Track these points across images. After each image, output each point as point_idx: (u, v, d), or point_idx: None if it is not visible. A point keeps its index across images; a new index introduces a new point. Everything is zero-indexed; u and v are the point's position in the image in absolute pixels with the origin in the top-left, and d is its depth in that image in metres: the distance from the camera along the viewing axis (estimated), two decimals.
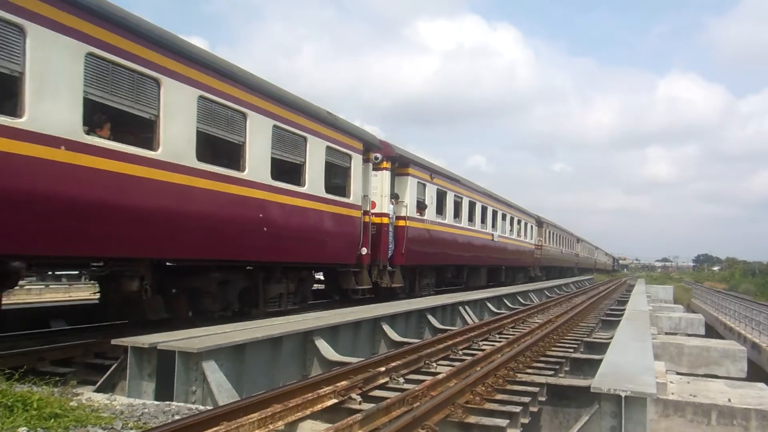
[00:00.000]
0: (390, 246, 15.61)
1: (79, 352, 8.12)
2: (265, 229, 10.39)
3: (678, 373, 13.81)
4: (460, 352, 9.34)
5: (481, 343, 10.45)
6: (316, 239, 12.22)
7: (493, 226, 25.45)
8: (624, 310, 17.07)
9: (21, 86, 6.57)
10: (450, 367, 7.79)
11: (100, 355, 8.11)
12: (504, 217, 27.50)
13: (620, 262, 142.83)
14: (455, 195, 20.61)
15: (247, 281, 11.06)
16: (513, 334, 11.50)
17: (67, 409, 4.80)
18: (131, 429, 4.68)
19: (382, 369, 7.17)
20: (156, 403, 5.71)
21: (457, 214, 20.92)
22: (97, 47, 7.38)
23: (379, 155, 15.09)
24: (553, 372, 8.20)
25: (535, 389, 6.87)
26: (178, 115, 8.60)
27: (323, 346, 8.43)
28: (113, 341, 6.74)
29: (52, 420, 4.52)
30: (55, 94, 6.89)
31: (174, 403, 5.83)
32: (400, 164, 16.32)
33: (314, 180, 12.01)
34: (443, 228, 19.30)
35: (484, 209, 24.08)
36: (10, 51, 6.49)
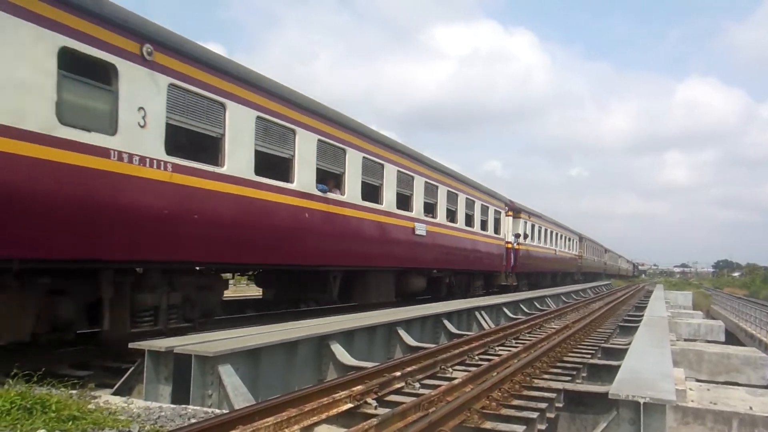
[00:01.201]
0: (511, 261, 25.77)
1: (97, 355, 8.19)
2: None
3: (698, 380, 13.63)
4: (477, 357, 9.29)
5: (497, 349, 10.38)
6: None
7: (556, 244, 36.47)
8: (642, 316, 16.89)
9: (223, 144, 9.42)
10: (466, 373, 7.73)
11: (118, 359, 8.17)
12: (562, 236, 38.74)
13: (639, 267, 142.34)
14: (540, 226, 30.83)
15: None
16: (529, 340, 11.43)
17: (85, 411, 4.84)
18: None
19: (398, 374, 7.15)
20: (172, 406, 5.74)
21: (540, 238, 31.17)
22: (262, 112, 10.30)
23: (507, 209, 25.75)
24: (570, 378, 8.12)
25: (552, 395, 6.81)
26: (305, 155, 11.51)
27: (339, 351, 8.42)
28: (130, 345, 6.79)
29: (71, 422, 4.57)
30: (240, 147, 9.73)
31: (190, 406, 5.85)
32: (514, 211, 26.15)
33: (487, 226, 23.06)
34: (536, 248, 29.96)
35: (555, 234, 35.54)
36: (216, 120, 9.30)
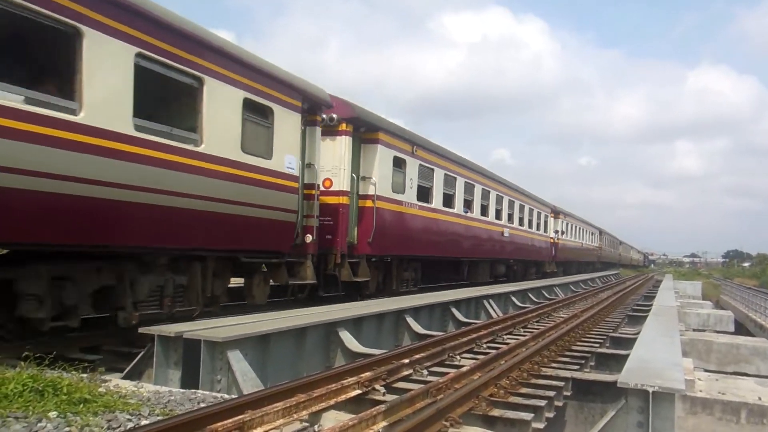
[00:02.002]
0: (553, 252, 21.69)
1: (107, 340, 8.24)
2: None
3: (706, 371, 13.60)
4: (484, 346, 9.30)
5: (505, 337, 10.39)
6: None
7: (583, 238, 40.74)
8: (651, 306, 16.84)
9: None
10: (474, 360, 7.75)
11: (128, 343, 8.22)
12: (587, 231, 43.09)
13: (649, 257, 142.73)
14: (571, 223, 33.66)
15: None
16: (537, 328, 11.42)
17: (95, 394, 4.87)
18: (158, 416, 4.74)
19: (406, 361, 7.16)
20: (182, 390, 5.78)
21: (572, 233, 35.06)
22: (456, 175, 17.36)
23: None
24: (578, 366, 8.12)
25: (560, 383, 6.81)
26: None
27: (347, 338, 8.45)
28: (140, 330, 6.85)
29: (81, 405, 4.60)
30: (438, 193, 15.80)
31: (199, 391, 5.89)
32: (555, 213, 19.33)
33: (540, 226, 21.10)
34: (569, 242, 32.94)
35: (581, 229, 38.88)
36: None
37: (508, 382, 6.52)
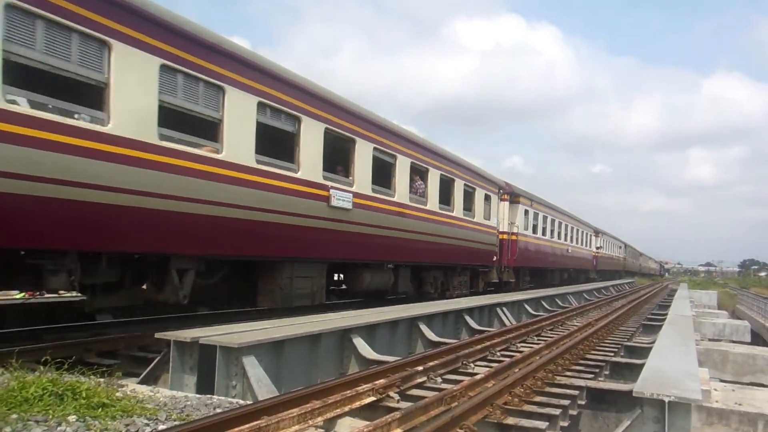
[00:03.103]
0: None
1: (123, 345, 8.34)
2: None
3: (722, 381, 13.44)
4: (498, 354, 9.28)
5: (519, 345, 10.36)
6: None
7: (611, 250, 47.38)
8: (666, 315, 16.70)
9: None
10: (488, 368, 7.74)
11: (144, 348, 8.30)
12: (610, 242, 49.52)
13: (664, 266, 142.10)
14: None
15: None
16: (551, 337, 11.37)
17: (113, 399, 4.93)
18: (174, 420, 4.78)
19: (420, 368, 7.17)
20: (198, 396, 5.83)
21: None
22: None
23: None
24: (592, 375, 8.08)
25: (575, 392, 6.78)
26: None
27: (361, 344, 8.47)
28: (156, 335, 6.90)
29: (100, 409, 4.66)
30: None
31: (215, 396, 5.94)
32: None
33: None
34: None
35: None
36: None
37: (522, 390, 6.51)
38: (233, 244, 9.16)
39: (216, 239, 8.78)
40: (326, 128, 11.21)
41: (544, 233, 27.10)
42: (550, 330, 12.89)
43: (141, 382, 6.56)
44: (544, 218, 27.04)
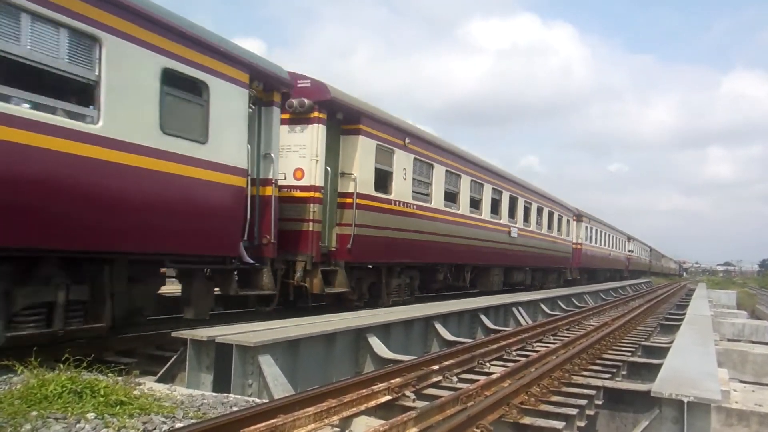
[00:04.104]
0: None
1: (140, 344, 8.40)
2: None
3: (741, 382, 13.26)
4: (514, 353, 9.23)
5: (535, 345, 10.31)
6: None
7: (640, 253, 52.11)
8: (684, 314, 16.52)
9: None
10: (504, 368, 7.71)
11: (161, 347, 8.36)
12: (639, 246, 55.58)
13: (682, 266, 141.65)
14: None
15: None
16: (568, 336, 11.30)
17: (131, 397, 4.98)
18: (191, 419, 4.81)
19: (436, 367, 7.15)
20: (214, 394, 5.86)
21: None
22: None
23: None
24: (610, 375, 8.02)
25: (592, 392, 6.73)
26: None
27: (376, 344, 8.47)
28: (173, 334, 6.95)
29: (118, 407, 4.70)
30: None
31: (231, 395, 5.96)
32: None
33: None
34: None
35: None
36: None
37: (538, 389, 6.47)
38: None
39: None
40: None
41: (596, 242, 35.14)
42: (567, 330, 12.80)
43: (158, 381, 6.61)
44: (596, 231, 35.10)
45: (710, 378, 6.55)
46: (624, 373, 8.93)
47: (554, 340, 11.04)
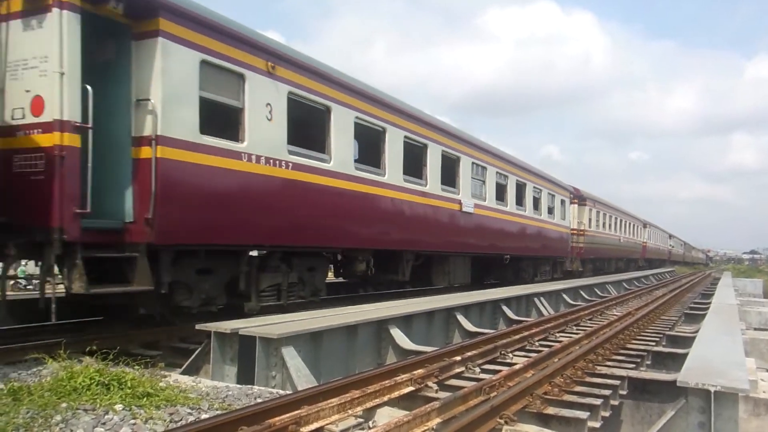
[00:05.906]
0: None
1: (165, 336, 8.50)
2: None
3: None
4: (537, 344, 9.19)
5: (557, 335, 10.24)
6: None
7: (678, 247, 55.57)
8: (709, 303, 16.30)
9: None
10: (527, 358, 7.67)
11: (185, 340, 8.45)
12: (676, 241, 59.15)
13: (707, 254, 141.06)
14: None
15: None
16: (591, 326, 11.22)
17: (157, 389, 5.05)
18: (217, 410, 4.87)
19: (458, 358, 7.15)
20: (239, 386, 5.92)
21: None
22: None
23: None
24: (634, 365, 7.94)
25: (616, 382, 6.67)
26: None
27: (398, 335, 8.48)
28: (197, 326, 7.02)
29: (145, 399, 4.77)
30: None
31: (255, 386, 6.03)
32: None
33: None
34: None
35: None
36: None
37: (562, 380, 6.43)
38: None
39: None
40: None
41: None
42: (589, 320, 12.71)
43: (183, 373, 6.69)
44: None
45: (738, 367, 6.45)
46: (648, 362, 8.83)
47: (577, 330, 10.96)
